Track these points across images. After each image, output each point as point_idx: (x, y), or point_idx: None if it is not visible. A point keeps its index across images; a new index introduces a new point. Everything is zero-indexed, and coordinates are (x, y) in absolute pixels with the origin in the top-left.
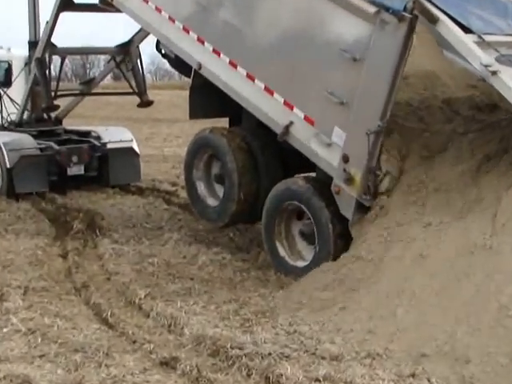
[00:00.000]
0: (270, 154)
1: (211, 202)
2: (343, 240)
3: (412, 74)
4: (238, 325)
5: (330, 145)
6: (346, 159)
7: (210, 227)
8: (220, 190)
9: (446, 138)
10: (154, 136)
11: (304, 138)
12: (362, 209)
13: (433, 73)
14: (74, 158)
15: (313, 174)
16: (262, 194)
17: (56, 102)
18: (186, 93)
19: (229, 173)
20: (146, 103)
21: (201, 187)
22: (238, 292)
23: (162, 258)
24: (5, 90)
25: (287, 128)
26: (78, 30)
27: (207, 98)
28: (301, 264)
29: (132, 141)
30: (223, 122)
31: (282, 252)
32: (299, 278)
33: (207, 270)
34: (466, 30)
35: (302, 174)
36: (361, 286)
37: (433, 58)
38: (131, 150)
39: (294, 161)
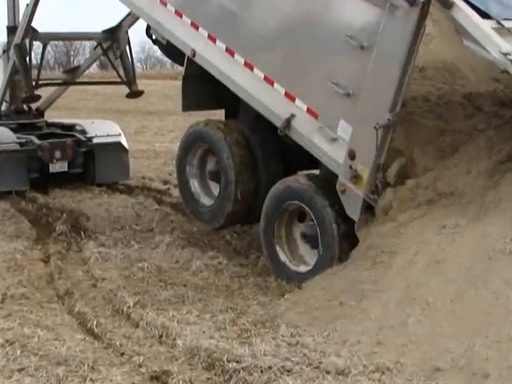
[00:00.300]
0: (269, 149)
1: (206, 201)
2: (348, 242)
3: (429, 65)
4: (235, 336)
5: (334, 140)
6: (352, 155)
7: (205, 229)
8: (215, 188)
9: (465, 136)
10: (145, 130)
11: (307, 132)
12: (369, 209)
13: (452, 64)
14: (57, 154)
15: (316, 172)
16: (261, 193)
17: (37, 92)
18: (179, 83)
19: (225, 170)
20: (135, 93)
21: (194, 185)
22: (236, 300)
23: (152, 262)
24: None
25: (288, 121)
26: (64, 15)
27: (202, 88)
28: (303, 269)
29: (120, 135)
30: (219, 115)
31: (282, 257)
32: (302, 284)
33: (202, 276)
34: (484, 15)
35: (304, 172)
36: (369, 293)
37: (452, 48)
38: (119, 145)
39: (296, 157)
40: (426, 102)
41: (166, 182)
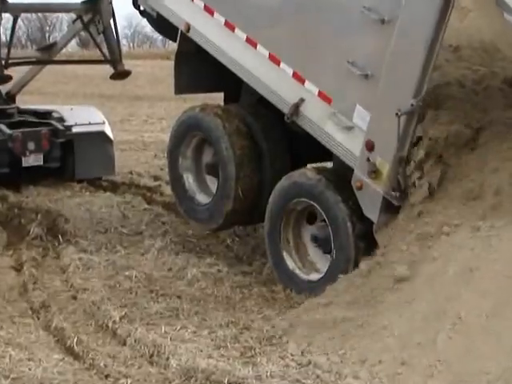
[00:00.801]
0: (275, 138)
1: (202, 198)
2: (365, 243)
3: (465, 44)
4: (237, 354)
5: (350, 128)
6: (370, 146)
7: (202, 231)
8: (213, 183)
9: (504, 128)
10: (132, 117)
11: (318, 120)
12: (390, 209)
13: (492, 43)
14: (31, 145)
15: (328, 165)
16: (266, 190)
17: (7, 72)
18: (171, 63)
19: (224, 162)
20: (121, 74)
21: (189, 180)
22: (238, 313)
23: (141, 270)
24: None
25: (297, 106)
26: None
27: (197, 67)
28: (314, 277)
29: (104, 123)
30: (217, 99)
31: (290, 264)
32: (313, 295)
33: (198, 286)
34: None
35: (314, 165)
36: (392, 305)
37: (492, 23)
38: (103, 134)
39: (306, 148)
40: (461, 88)
41: (156, 178)
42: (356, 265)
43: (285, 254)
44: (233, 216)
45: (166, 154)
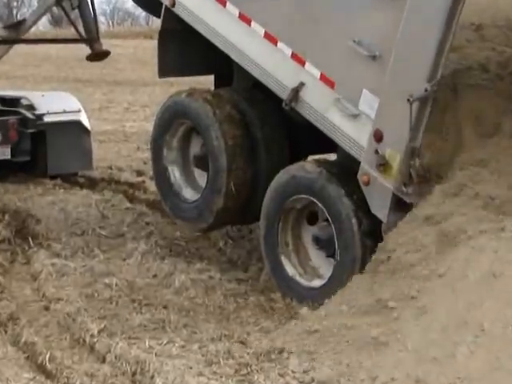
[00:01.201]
0: (272, 127)
1: (189, 194)
2: (373, 241)
3: (488, 23)
4: (231, 372)
5: (356, 116)
6: (378, 136)
7: (189, 232)
8: (202, 177)
9: None
10: (112, 105)
11: (319, 106)
12: (401, 206)
13: None
14: None
15: (331, 157)
16: (261, 185)
17: None
18: (155, 42)
19: (214, 154)
20: (98, 55)
21: (174, 174)
22: (232, 325)
23: (123, 277)
24: None
25: (296, 91)
26: None
27: (184, 47)
28: (317, 284)
29: (80, 112)
30: (207, 83)
31: (290, 270)
32: (316, 303)
33: (187, 295)
34: None
35: (316, 157)
36: (405, 314)
37: None
38: (78, 124)
39: (307, 138)
40: (484, 72)
41: (139, 173)
42: (363, 267)
43: (283, 259)
44: (224, 214)
45: (149, 145)
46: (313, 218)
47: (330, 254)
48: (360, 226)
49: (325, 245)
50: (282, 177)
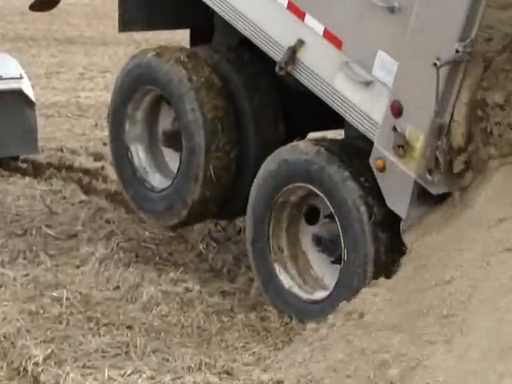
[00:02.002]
0: (262, 97)
1: (157, 181)
2: (388, 234)
3: None
4: None
5: (368, 83)
6: (397, 110)
7: (157, 228)
8: (173, 160)
9: None
10: (63, 70)
11: (322, 71)
12: (425, 199)
13: None
14: None
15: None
16: (248, 170)
17: None
18: None
19: (189, 130)
20: (45, 3)
21: (138, 155)
22: (214, 351)
23: (75, 289)
24: None
25: (293, 52)
26: None
27: None
28: (320, 295)
29: (21, 78)
30: (181, 40)
31: (286, 281)
32: (320, 320)
33: (158, 312)
34: None
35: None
36: (436, 335)
37: None
38: (20, 94)
39: (307, 110)
40: None
41: (98, 157)
42: (377, 269)
43: (277, 268)
44: (201, 207)
45: (106, 118)
46: (313, 216)
47: (336, 259)
48: (371, 215)
49: (328, 246)
50: (270, 162)
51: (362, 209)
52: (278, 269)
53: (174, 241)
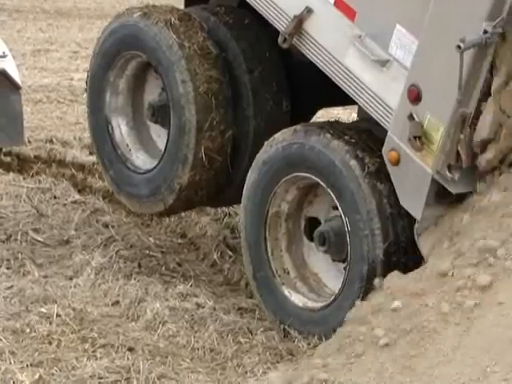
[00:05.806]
0: (265, 68)
1: (141, 160)
2: (402, 230)
3: None
4: None
5: (384, 62)
6: (414, 95)
7: (167, 236)
8: (160, 137)
9: None
10: (53, 47)
11: (332, 45)
12: (443, 198)
13: None
14: None
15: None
16: (246, 152)
17: None
18: None
19: (179, 104)
20: None
21: (121, 130)
22: (230, 377)
23: (68, 305)
24: None
25: (299, 21)
26: None
27: None
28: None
29: (5, 57)
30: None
31: (298, 299)
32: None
33: (165, 332)
34: None
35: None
36: (451, 348)
37: None
38: (3, 76)
39: (317, 85)
40: None
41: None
42: (389, 261)
43: (285, 291)
44: (190, 192)
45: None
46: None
47: (342, 257)
48: (381, 207)
49: (334, 246)
50: (267, 148)
51: (369, 200)
52: (285, 291)
53: (182, 248)
